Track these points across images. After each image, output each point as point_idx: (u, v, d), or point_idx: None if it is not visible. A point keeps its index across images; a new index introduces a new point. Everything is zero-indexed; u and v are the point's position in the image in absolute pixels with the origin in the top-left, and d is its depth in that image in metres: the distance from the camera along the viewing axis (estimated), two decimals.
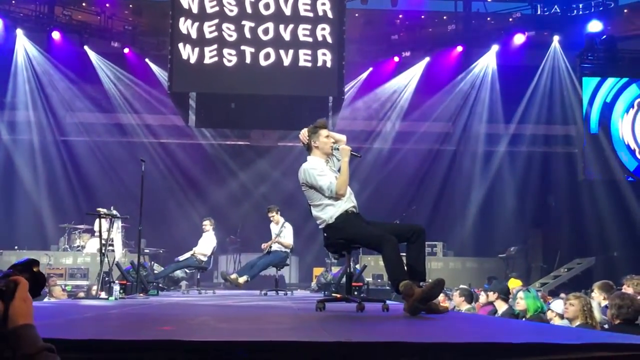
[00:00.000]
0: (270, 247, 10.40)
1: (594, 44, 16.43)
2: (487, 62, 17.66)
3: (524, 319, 6.65)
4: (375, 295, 10.22)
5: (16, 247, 14.91)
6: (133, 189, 13.02)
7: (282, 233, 10.42)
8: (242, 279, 9.81)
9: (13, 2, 16.83)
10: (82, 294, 10.87)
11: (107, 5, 17.77)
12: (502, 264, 15.53)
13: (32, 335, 1.63)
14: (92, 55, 17.20)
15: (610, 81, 16.62)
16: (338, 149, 5.28)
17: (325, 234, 5.18)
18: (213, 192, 17.42)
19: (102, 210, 8.58)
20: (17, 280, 1.67)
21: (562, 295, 8.26)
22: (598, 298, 6.68)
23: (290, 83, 14.33)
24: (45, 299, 9.66)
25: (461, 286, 9.43)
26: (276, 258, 10.27)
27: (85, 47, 17.12)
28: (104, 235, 8.53)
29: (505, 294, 7.74)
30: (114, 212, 8.83)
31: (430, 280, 4.68)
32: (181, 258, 11.54)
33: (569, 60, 17.03)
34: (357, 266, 12.28)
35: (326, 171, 5.17)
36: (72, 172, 17.13)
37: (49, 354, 1.61)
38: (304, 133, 5.36)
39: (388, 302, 5.01)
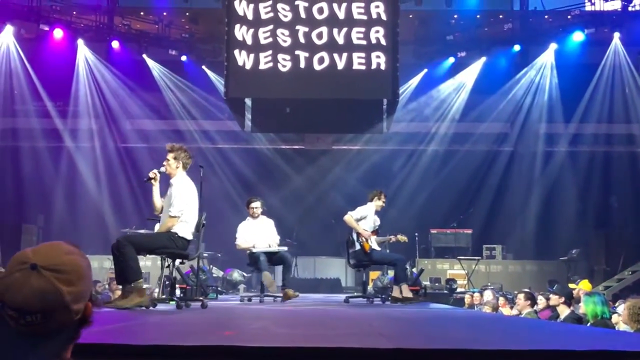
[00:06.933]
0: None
1: None
2: (546, 61, 17.27)
3: (588, 324, 6.50)
4: (435, 299, 10.18)
5: None
6: None
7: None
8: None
9: (74, 13, 17.32)
10: None
11: (165, 14, 18.16)
12: (563, 267, 15.14)
13: None
14: (151, 63, 17.59)
15: None
16: None
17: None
18: (268, 196, 17.47)
19: None
20: None
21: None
22: None
23: (344, 86, 14.29)
24: None
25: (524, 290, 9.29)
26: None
27: (144, 56, 17.51)
28: None
29: (568, 298, 7.58)
30: None
31: None
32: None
33: (631, 57, 16.53)
34: (414, 269, 12.21)
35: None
36: (132, 178, 17.49)
37: None
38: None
39: None
